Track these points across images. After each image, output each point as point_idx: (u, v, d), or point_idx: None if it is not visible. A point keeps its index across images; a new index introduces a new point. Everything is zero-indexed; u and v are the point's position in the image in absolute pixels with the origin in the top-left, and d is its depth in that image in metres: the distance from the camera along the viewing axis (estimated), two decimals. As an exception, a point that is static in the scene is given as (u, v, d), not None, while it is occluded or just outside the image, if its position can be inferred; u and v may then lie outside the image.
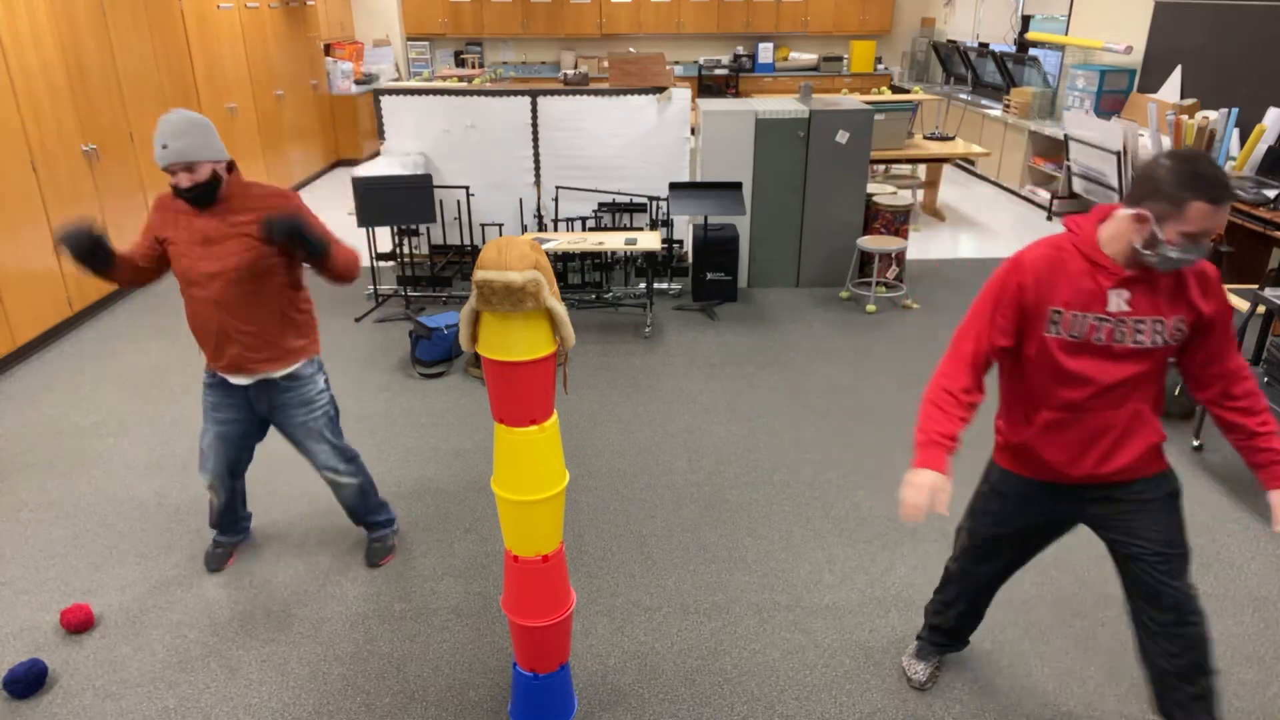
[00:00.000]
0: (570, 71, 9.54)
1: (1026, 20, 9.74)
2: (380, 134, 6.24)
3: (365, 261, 2.69)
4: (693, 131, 6.96)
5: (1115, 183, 6.53)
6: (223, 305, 2.77)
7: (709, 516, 3.60)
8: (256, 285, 2.79)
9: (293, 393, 2.97)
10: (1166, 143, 6.22)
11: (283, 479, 3.86)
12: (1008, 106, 8.80)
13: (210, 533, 3.44)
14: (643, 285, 6.30)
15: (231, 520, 3.31)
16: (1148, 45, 7.52)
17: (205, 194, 2.69)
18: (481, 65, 11.70)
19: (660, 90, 6.07)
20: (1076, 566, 3.29)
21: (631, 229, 5.82)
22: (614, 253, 6.23)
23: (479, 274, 2.03)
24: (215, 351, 2.86)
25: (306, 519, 3.59)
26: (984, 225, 7.82)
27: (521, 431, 2.20)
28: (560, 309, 2.12)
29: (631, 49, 11.79)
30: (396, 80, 11.03)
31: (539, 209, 6.41)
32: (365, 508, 3.28)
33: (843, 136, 5.87)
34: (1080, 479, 2.21)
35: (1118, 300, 2.02)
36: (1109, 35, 8.10)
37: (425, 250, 6.58)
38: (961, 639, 2.73)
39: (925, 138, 8.11)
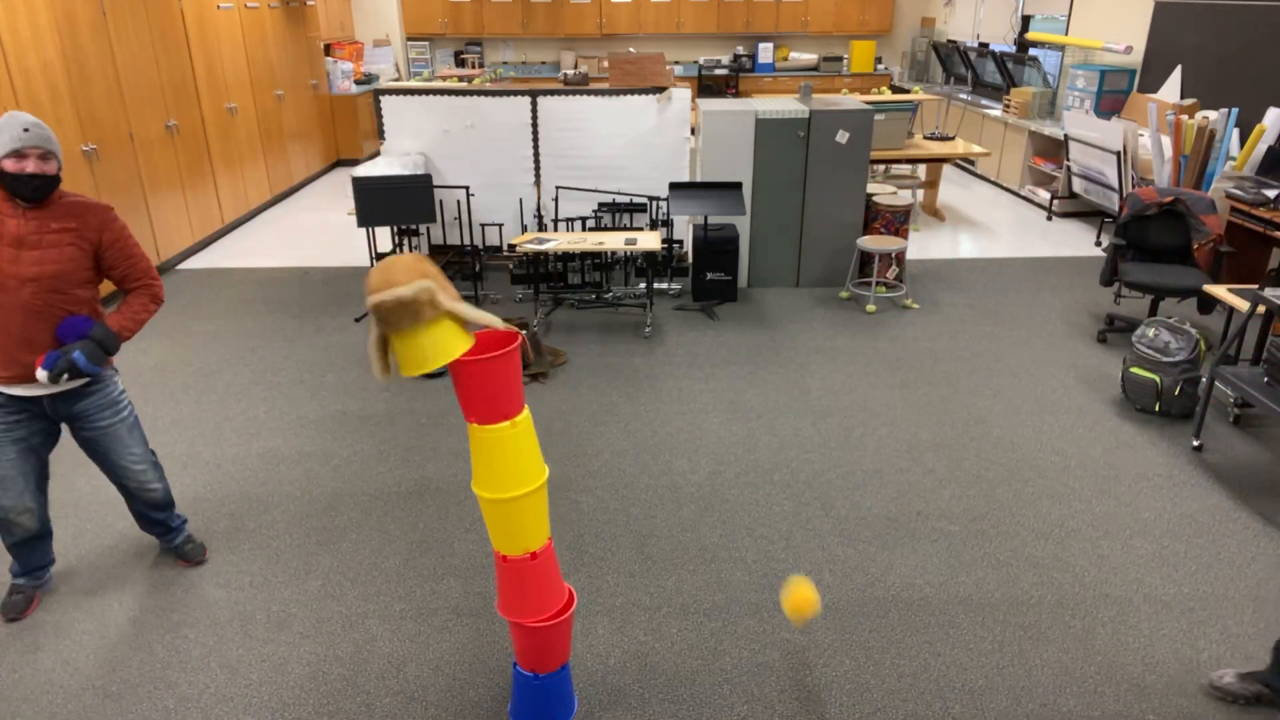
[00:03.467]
0: (570, 71, 9.55)
1: (1026, 20, 9.74)
2: (380, 134, 6.24)
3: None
4: (693, 131, 6.96)
5: (1115, 183, 6.53)
6: (31, 311, 2.68)
7: (709, 516, 3.60)
8: (66, 292, 2.73)
9: (95, 397, 2.88)
10: (1166, 143, 6.21)
11: (283, 479, 3.86)
12: (1008, 106, 8.79)
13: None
14: (643, 285, 6.30)
15: (40, 553, 3.05)
16: (1148, 45, 7.52)
17: (44, 189, 2.66)
18: (481, 65, 11.70)
19: (660, 90, 6.07)
20: (1076, 566, 3.29)
21: (631, 229, 5.82)
22: (614, 253, 6.24)
23: (369, 299, 2.05)
24: (15, 360, 2.70)
25: (306, 519, 3.59)
26: (984, 225, 7.82)
27: (494, 428, 2.21)
28: (462, 308, 2.12)
29: (631, 49, 11.79)
30: (396, 80, 11.03)
31: (539, 209, 6.41)
32: (171, 507, 3.24)
33: (843, 136, 5.87)
34: None
35: None
36: (1109, 35, 8.10)
37: (425, 250, 6.58)
38: None
39: (925, 138, 8.11)
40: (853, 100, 6.26)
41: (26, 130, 2.60)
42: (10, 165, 2.60)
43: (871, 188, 6.52)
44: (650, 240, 5.32)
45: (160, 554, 3.36)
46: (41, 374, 2.69)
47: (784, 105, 6.02)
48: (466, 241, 6.53)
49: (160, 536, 3.30)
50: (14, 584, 3.07)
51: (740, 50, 11.74)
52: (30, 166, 2.62)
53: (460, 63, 11.68)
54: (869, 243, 5.78)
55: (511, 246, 6.42)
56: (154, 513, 3.20)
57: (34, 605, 3.08)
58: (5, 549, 3.09)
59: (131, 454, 3.00)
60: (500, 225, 6.44)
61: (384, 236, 7.56)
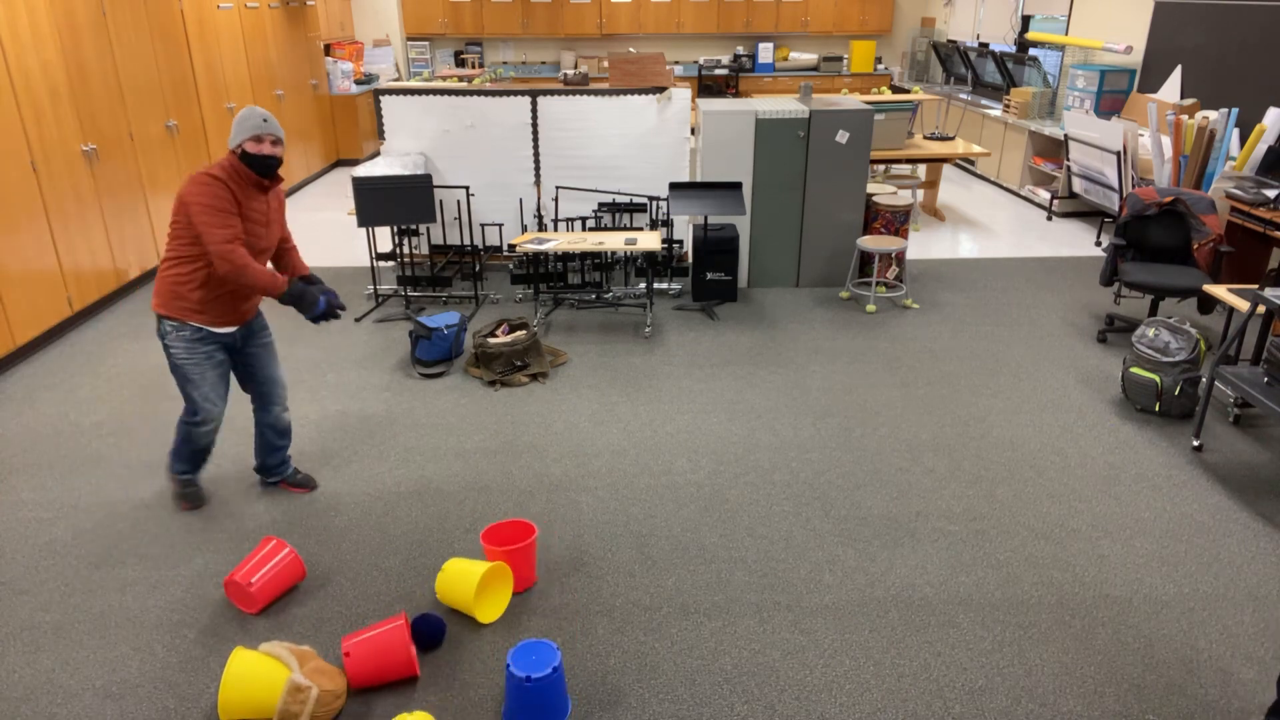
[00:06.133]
0: (570, 71, 9.54)
1: (1026, 20, 9.74)
2: (380, 134, 6.24)
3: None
4: (693, 131, 6.96)
5: (1115, 183, 6.53)
6: None
7: (709, 516, 3.60)
8: None
9: (258, 321, 3.54)
10: (1166, 143, 6.21)
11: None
12: (1008, 106, 8.79)
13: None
14: (643, 285, 6.30)
15: (206, 456, 3.64)
16: (1148, 45, 7.52)
17: (277, 169, 3.22)
18: (481, 65, 11.70)
19: (660, 90, 6.07)
20: (1076, 566, 3.29)
21: (631, 229, 5.82)
22: (614, 253, 6.24)
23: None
24: (236, 311, 3.35)
25: (306, 519, 3.59)
26: (984, 225, 7.82)
27: None
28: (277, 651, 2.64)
29: (631, 49, 11.79)
30: (396, 80, 11.03)
31: (539, 209, 6.42)
32: (290, 435, 3.73)
33: (843, 136, 5.87)
34: None
35: None
36: (1109, 35, 8.10)
37: (425, 250, 6.59)
38: None
39: (925, 138, 8.11)
40: (853, 100, 6.26)
41: (265, 120, 3.14)
42: (251, 147, 3.14)
43: (871, 188, 6.52)
44: (650, 240, 5.32)
45: (159, 553, 3.37)
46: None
47: (784, 105, 6.02)
48: (466, 241, 6.53)
49: (274, 472, 3.76)
50: (184, 479, 3.62)
51: (740, 50, 11.74)
52: (267, 149, 3.15)
53: (460, 63, 11.68)
54: (869, 243, 5.78)
55: (511, 246, 6.42)
56: (280, 440, 3.68)
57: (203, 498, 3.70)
58: (188, 450, 3.53)
59: (280, 368, 3.61)
60: (500, 225, 6.44)
61: (384, 236, 7.56)
